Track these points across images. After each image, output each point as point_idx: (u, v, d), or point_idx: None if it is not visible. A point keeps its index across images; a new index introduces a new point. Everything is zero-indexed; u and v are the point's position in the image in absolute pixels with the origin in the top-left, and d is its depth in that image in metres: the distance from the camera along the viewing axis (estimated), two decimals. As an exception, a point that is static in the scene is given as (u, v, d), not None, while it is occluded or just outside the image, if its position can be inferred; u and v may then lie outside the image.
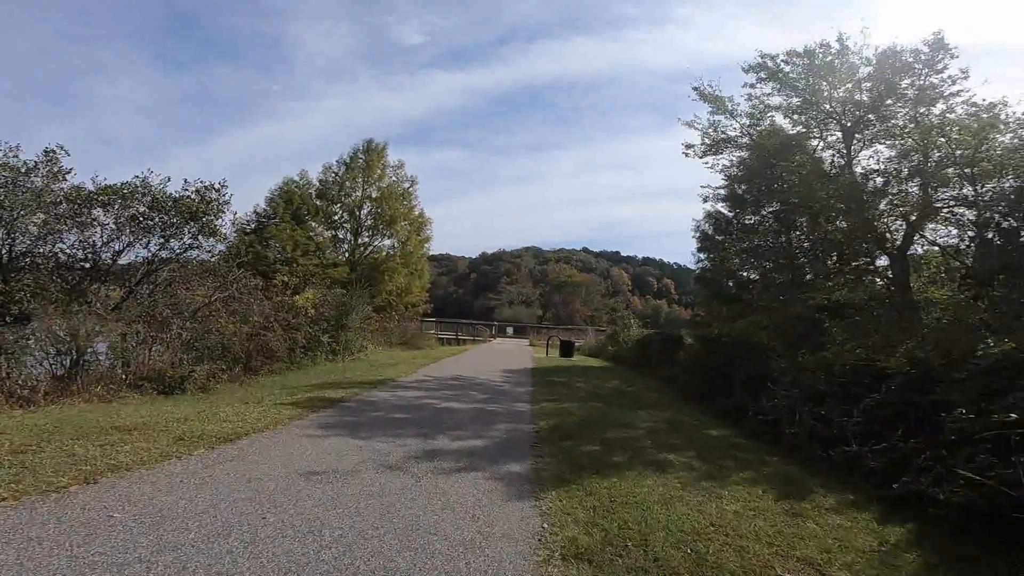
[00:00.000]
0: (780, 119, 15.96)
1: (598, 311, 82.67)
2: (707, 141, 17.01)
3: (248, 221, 24.44)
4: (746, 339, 10.73)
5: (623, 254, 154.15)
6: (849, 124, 14.07)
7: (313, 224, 25.66)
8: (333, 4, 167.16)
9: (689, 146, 16.93)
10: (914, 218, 12.83)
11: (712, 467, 5.41)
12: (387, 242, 28.03)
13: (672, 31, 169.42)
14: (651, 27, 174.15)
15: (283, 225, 22.88)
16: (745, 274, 18.05)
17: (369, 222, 27.51)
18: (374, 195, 27.39)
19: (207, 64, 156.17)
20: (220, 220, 12.33)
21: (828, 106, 14.20)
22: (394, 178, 28.95)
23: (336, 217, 27.83)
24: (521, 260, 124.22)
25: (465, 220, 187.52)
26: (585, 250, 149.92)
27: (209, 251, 12.32)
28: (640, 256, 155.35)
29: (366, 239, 27.81)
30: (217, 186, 12.26)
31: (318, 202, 26.89)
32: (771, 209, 17.39)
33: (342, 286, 26.22)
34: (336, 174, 27.88)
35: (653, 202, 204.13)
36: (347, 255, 27.48)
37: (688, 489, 4.55)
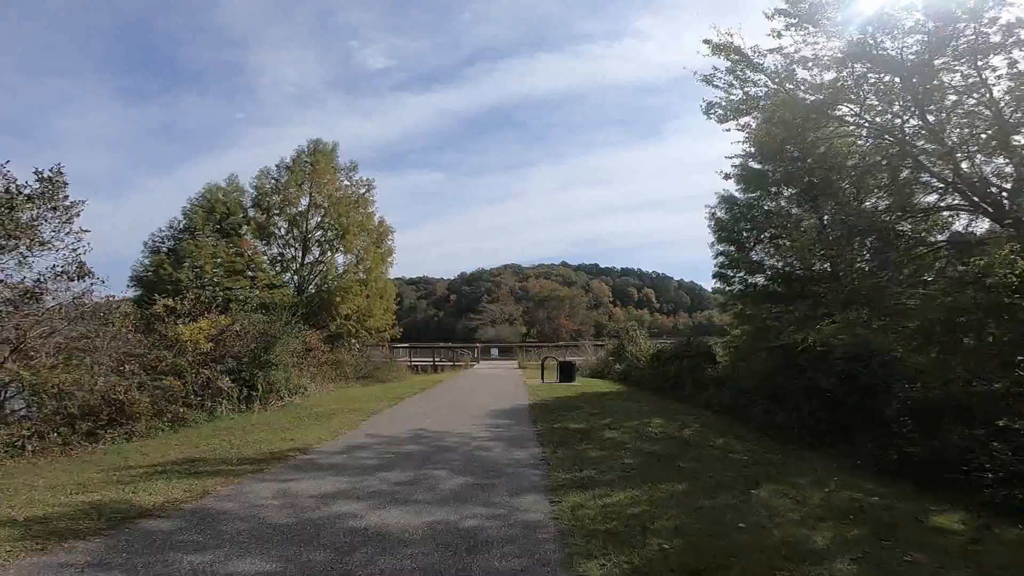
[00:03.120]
0: (808, 75, 12.30)
1: (584, 324, 78.85)
2: (731, 99, 13.15)
3: (163, 238, 19.92)
4: (869, 351, 6.84)
5: (602, 266, 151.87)
6: (900, 80, 10.48)
7: (248, 239, 21.17)
8: (295, 31, 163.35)
9: (711, 106, 13.04)
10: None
11: None
12: (340, 258, 23.60)
13: (631, 44, 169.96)
14: (611, 42, 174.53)
15: (203, 241, 18.39)
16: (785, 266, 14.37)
17: (318, 234, 23.09)
18: (322, 203, 23.01)
19: (172, 95, 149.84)
20: (44, 220, 8.20)
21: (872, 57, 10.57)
22: (347, 182, 24.71)
23: (279, 231, 23.37)
24: (501, 278, 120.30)
25: (443, 243, 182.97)
26: (564, 264, 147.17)
27: (26, 264, 7.99)
28: (619, 267, 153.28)
29: (316, 256, 23.37)
30: (49, 175, 8.20)
31: (252, 213, 22.41)
32: (792, 191, 14.06)
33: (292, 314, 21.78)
34: (276, 180, 23.50)
35: (628, 215, 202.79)
36: (293, 275, 22.98)
37: None
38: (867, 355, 6.72)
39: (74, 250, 8.28)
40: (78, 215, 8.85)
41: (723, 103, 12.79)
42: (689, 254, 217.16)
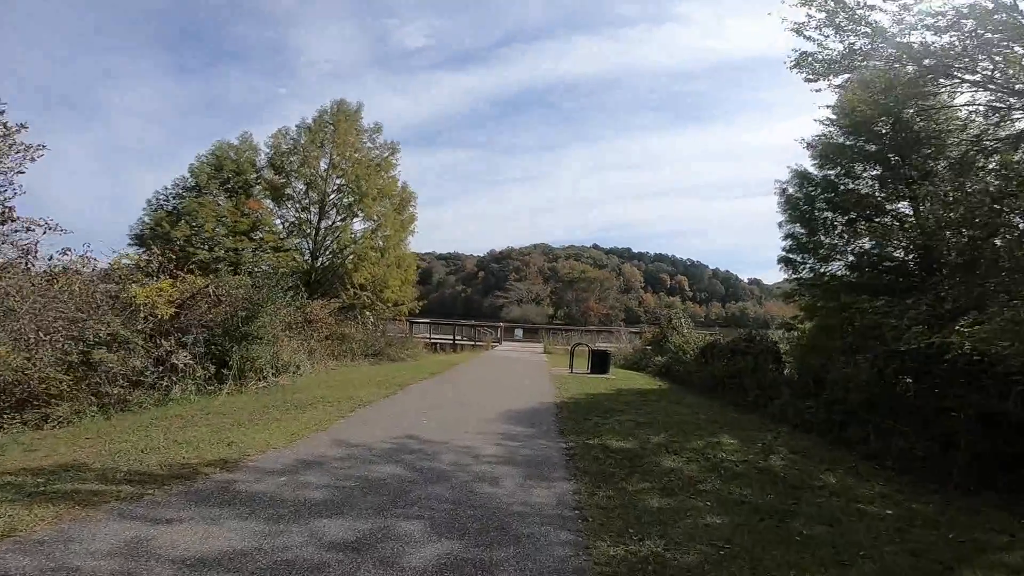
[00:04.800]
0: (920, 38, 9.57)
1: (614, 308, 76.28)
2: (827, 53, 10.36)
3: (168, 196, 18.53)
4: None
5: (634, 251, 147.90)
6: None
7: (259, 199, 19.63)
8: (337, 8, 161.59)
9: (804, 56, 10.19)
10: None
11: None
12: (358, 225, 21.87)
13: (672, 29, 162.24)
14: (651, 26, 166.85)
15: (206, 199, 16.89)
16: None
17: (333, 197, 21.37)
18: (340, 163, 21.22)
19: (216, 71, 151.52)
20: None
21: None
22: (370, 144, 22.88)
23: (295, 194, 21.75)
24: (530, 257, 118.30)
25: (473, 221, 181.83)
26: (595, 247, 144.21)
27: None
28: (652, 253, 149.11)
29: (333, 220, 21.69)
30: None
31: (268, 174, 20.82)
32: (877, 171, 11.59)
33: (307, 284, 20.35)
34: (295, 140, 21.81)
35: (663, 200, 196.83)
36: (309, 240, 21.41)
37: None
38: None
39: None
40: (32, 160, 7.32)
41: (818, 57, 10.05)
42: (725, 243, 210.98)
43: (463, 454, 5.05)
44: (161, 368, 7.47)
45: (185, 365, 7.48)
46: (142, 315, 7.56)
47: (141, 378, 7.20)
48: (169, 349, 7.56)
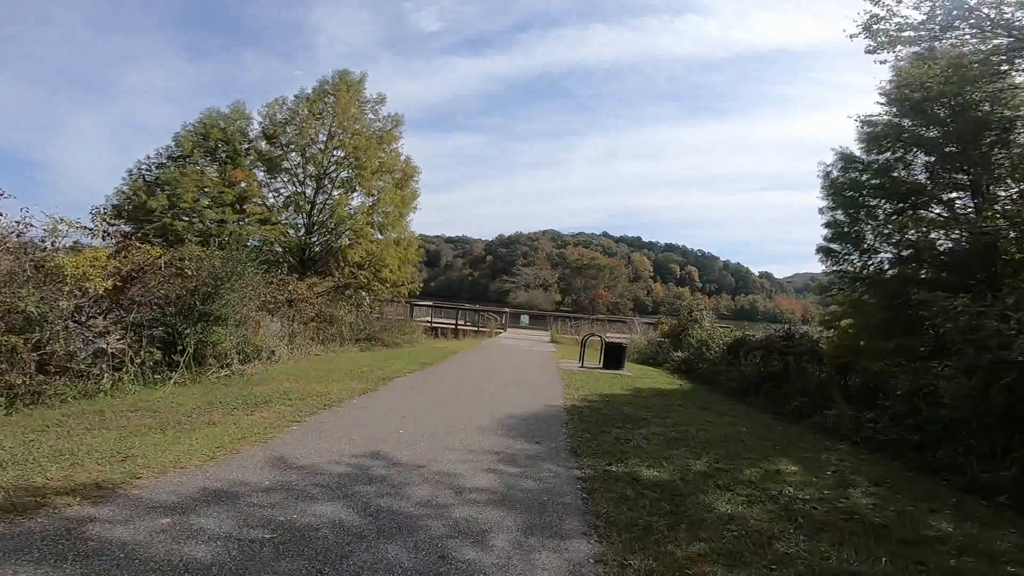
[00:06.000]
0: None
1: (623, 297, 74.71)
2: (898, 22, 8.70)
3: (150, 165, 17.24)
4: None
5: (645, 240, 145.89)
6: None
7: (247, 170, 18.25)
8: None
9: (874, 19, 8.49)
10: None
11: None
12: (356, 201, 20.45)
13: (694, 19, 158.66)
14: (672, 16, 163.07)
15: (189, 168, 15.57)
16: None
17: (331, 169, 19.96)
18: (338, 133, 19.76)
19: (232, 52, 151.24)
20: None
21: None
22: (372, 116, 21.42)
23: (291, 166, 20.36)
24: (539, 243, 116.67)
25: (483, 204, 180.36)
26: (605, 234, 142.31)
27: None
28: (662, 242, 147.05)
29: (330, 194, 20.29)
30: None
31: (263, 145, 19.42)
32: (929, 158, 10.22)
33: (300, 261, 19.10)
34: (292, 111, 20.35)
35: (675, 191, 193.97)
36: (305, 216, 20.06)
37: None
38: None
39: None
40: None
41: (889, 23, 8.41)
42: (737, 235, 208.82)
43: (441, 486, 3.71)
44: (93, 354, 6.21)
45: (116, 350, 6.20)
46: (67, 289, 6.25)
47: (68, 364, 5.96)
48: (100, 331, 6.29)
